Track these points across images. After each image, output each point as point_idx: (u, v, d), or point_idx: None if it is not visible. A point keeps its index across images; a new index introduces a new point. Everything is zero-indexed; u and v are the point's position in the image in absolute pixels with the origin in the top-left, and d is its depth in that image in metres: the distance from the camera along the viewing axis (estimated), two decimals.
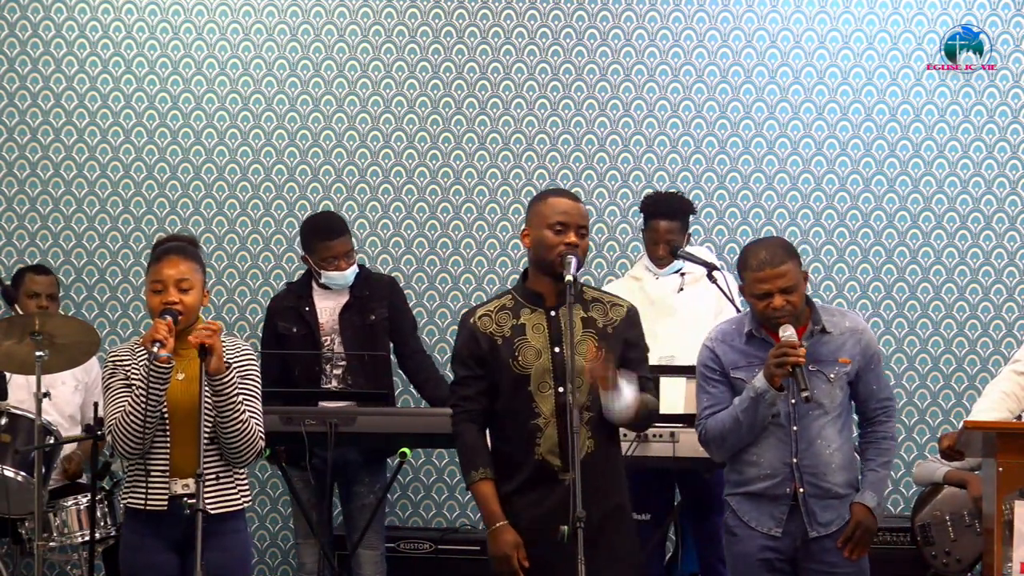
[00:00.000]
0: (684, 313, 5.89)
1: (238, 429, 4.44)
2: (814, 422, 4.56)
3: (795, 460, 4.55)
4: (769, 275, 4.49)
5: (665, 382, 5.37)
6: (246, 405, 4.51)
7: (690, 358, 5.58)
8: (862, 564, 4.63)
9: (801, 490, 4.54)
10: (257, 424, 4.52)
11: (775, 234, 6.68)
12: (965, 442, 4.82)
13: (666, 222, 5.95)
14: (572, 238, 4.36)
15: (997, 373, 5.35)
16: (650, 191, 6.47)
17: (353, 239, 6.12)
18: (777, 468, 4.56)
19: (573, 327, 4.33)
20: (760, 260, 4.51)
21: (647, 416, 4.46)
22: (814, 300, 4.71)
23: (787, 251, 4.56)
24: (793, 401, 4.53)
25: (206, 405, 4.38)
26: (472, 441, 4.45)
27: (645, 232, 6.07)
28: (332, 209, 6.80)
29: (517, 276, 6.73)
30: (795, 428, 4.55)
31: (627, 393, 4.26)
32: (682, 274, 5.99)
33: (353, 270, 6.03)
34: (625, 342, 4.45)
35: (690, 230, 6.09)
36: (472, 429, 4.45)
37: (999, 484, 4.44)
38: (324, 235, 6.02)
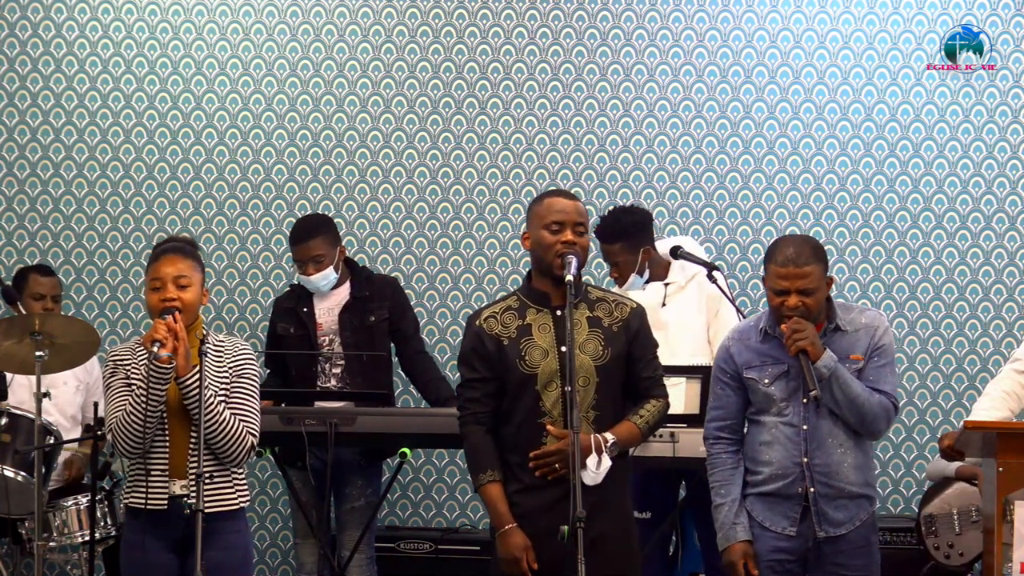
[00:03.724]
0: (672, 328, 5.79)
1: (215, 430, 4.44)
2: (823, 420, 4.55)
3: (806, 460, 4.55)
4: (791, 273, 4.48)
5: (666, 383, 5.35)
6: (239, 403, 4.52)
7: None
8: (873, 565, 4.62)
9: (812, 490, 4.54)
10: (247, 422, 4.53)
11: (775, 235, 6.68)
12: (965, 442, 4.82)
13: (605, 245, 5.87)
14: (569, 236, 4.38)
15: (997, 373, 5.35)
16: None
17: (327, 244, 5.99)
18: (788, 468, 4.56)
19: (574, 327, 4.35)
20: (786, 257, 4.49)
21: (650, 432, 4.56)
22: (836, 299, 4.67)
23: (814, 253, 4.53)
24: (805, 401, 4.53)
25: (197, 405, 4.40)
26: (479, 443, 4.45)
27: None
28: (332, 209, 6.80)
29: (517, 276, 6.83)
30: (805, 427, 4.55)
31: (591, 468, 4.30)
32: (665, 284, 5.91)
33: (324, 276, 5.97)
34: (632, 340, 4.47)
35: (648, 245, 5.82)
36: (479, 431, 4.45)
37: (999, 484, 4.43)
38: (290, 239, 6.13)
